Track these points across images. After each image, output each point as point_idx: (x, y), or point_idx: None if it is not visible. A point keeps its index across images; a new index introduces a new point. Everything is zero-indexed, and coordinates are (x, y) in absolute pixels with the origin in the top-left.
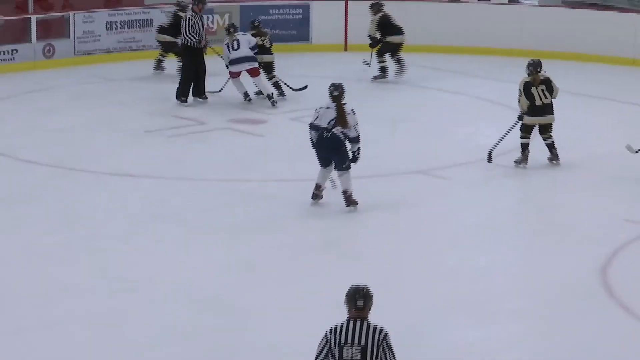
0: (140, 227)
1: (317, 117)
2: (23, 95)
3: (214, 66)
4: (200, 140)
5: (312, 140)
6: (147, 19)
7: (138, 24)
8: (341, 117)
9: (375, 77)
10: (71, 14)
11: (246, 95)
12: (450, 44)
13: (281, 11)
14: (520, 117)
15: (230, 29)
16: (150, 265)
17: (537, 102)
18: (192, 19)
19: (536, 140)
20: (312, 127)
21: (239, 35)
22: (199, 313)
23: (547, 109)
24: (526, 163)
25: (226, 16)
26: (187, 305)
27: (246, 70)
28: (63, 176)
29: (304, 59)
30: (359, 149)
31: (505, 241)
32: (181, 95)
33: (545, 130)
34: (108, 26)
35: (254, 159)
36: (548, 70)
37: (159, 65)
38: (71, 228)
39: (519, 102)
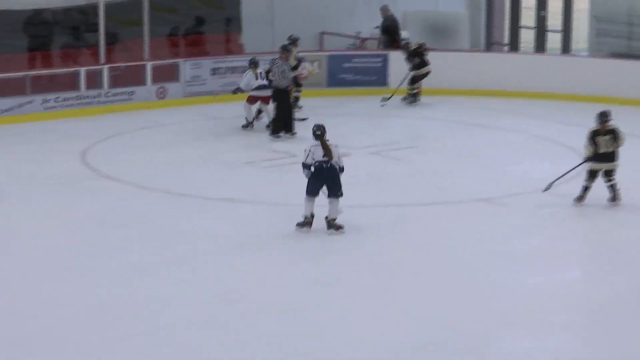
0: (238, 246)
1: (308, 155)
2: (139, 131)
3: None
4: (292, 171)
5: (308, 172)
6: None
7: (239, 70)
8: (327, 150)
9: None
10: (181, 61)
11: (250, 124)
12: (510, 89)
13: (363, 60)
14: (585, 160)
15: (255, 64)
16: (243, 280)
17: (601, 150)
18: (281, 66)
19: (599, 181)
20: (305, 165)
21: (261, 69)
22: (287, 325)
23: (611, 157)
24: (582, 202)
25: (315, 63)
26: (276, 317)
27: (262, 97)
28: (172, 201)
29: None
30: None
31: (557, 263)
32: (274, 131)
33: (609, 174)
34: (212, 72)
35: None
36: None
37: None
38: (176, 246)
39: (585, 147)
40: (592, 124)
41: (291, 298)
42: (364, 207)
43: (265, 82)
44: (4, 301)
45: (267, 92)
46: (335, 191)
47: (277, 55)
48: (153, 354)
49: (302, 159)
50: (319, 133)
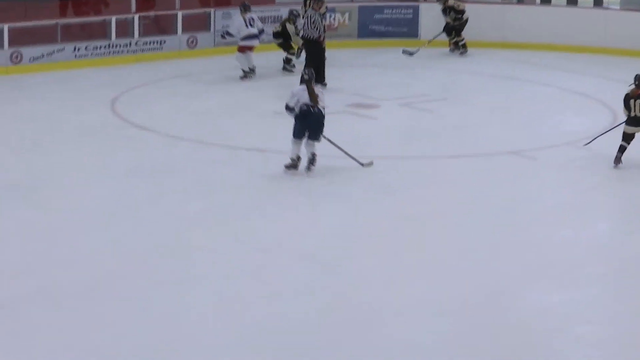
0: (270, 197)
1: (293, 98)
2: (169, 80)
3: (332, 58)
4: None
5: (290, 112)
6: (278, 16)
7: (270, 20)
8: (312, 94)
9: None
10: (212, 10)
11: (250, 71)
12: (542, 42)
13: (394, 11)
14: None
15: (246, 7)
16: (277, 230)
17: (632, 114)
18: (312, 16)
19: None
20: (287, 107)
21: (253, 15)
22: (321, 274)
23: None
24: (618, 163)
25: (346, 14)
26: (310, 266)
27: (250, 47)
28: (202, 151)
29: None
30: None
31: (587, 217)
32: (319, 81)
33: None
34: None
35: (368, 138)
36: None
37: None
38: (208, 197)
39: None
40: (624, 78)
41: (327, 250)
42: (394, 158)
43: (254, 30)
44: (41, 252)
45: (256, 42)
46: (316, 135)
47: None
48: (188, 302)
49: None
50: (307, 78)
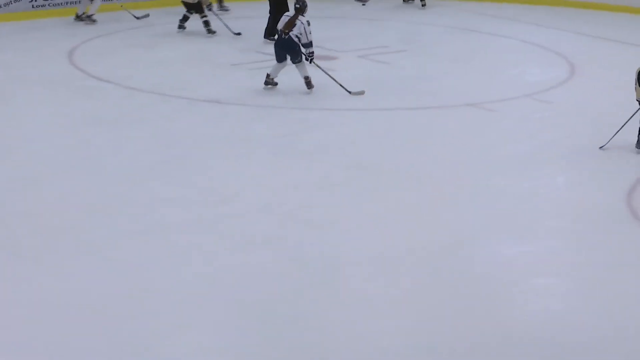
0: (228, 148)
1: (281, 22)
2: (127, 31)
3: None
4: (281, 74)
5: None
6: None
7: None
8: (289, 22)
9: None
10: None
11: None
12: None
13: None
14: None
15: None
16: (236, 181)
17: None
18: None
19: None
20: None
21: None
22: (279, 225)
23: None
24: None
25: None
26: (269, 217)
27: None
28: (160, 102)
29: None
30: (312, 52)
31: (546, 169)
32: (268, 34)
33: None
34: None
35: (324, 90)
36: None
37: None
38: (167, 148)
39: (635, 89)
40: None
41: (285, 201)
42: (354, 110)
43: None
44: (4, 200)
45: None
46: (294, 58)
47: None
48: (148, 253)
49: None
50: (298, 7)
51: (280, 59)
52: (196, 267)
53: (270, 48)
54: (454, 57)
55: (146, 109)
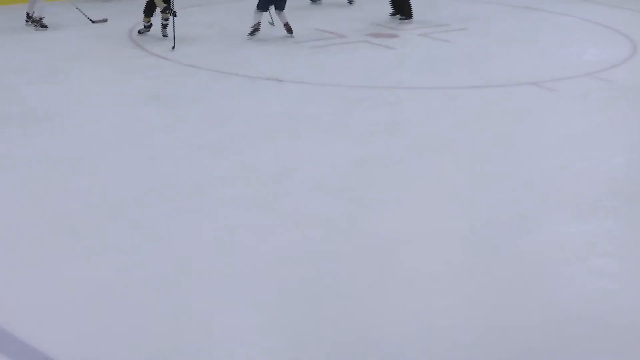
0: (284, 126)
1: None
2: (185, 10)
3: None
4: (340, 52)
5: None
6: None
7: None
8: None
9: None
10: None
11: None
12: None
13: None
14: None
15: None
16: (290, 160)
17: None
18: None
19: None
20: None
21: None
22: (332, 204)
23: None
24: None
25: None
26: (322, 196)
27: None
28: (219, 79)
29: None
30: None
31: (603, 149)
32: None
33: None
34: None
35: (386, 68)
36: None
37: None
38: (222, 126)
39: None
40: None
41: (339, 178)
42: (413, 88)
43: None
44: (56, 180)
45: None
46: (282, 6)
47: None
48: (200, 231)
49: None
50: None
51: (263, 8)
52: (248, 245)
53: (328, 25)
54: (514, 35)
55: (204, 86)
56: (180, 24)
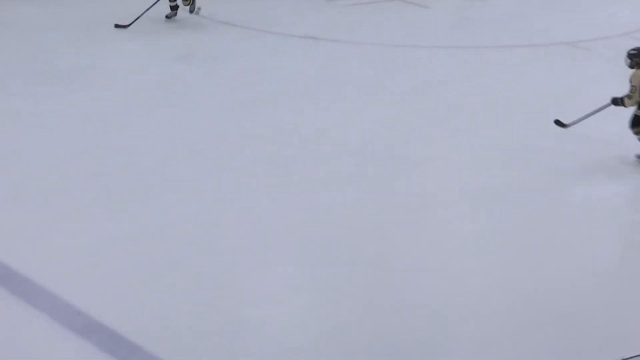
0: (318, 86)
1: None
2: None
3: None
4: (375, 10)
5: None
6: None
7: None
8: None
9: None
10: None
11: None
12: None
13: None
14: (613, 102)
15: None
16: (325, 119)
17: None
18: None
19: None
20: None
21: None
22: (367, 164)
23: None
24: None
25: None
26: (357, 156)
27: None
28: (253, 38)
29: None
30: None
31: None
32: None
33: None
34: None
35: (420, 27)
36: None
37: None
38: (256, 85)
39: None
40: None
41: (374, 138)
42: (447, 48)
43: None
44: (92, 137)
45: None
46: None
47: None
48: (235, 190)
49: None
50: None
51: None
52: (284, 204)
53: None
54: None
55: (238, 44)
56: None
